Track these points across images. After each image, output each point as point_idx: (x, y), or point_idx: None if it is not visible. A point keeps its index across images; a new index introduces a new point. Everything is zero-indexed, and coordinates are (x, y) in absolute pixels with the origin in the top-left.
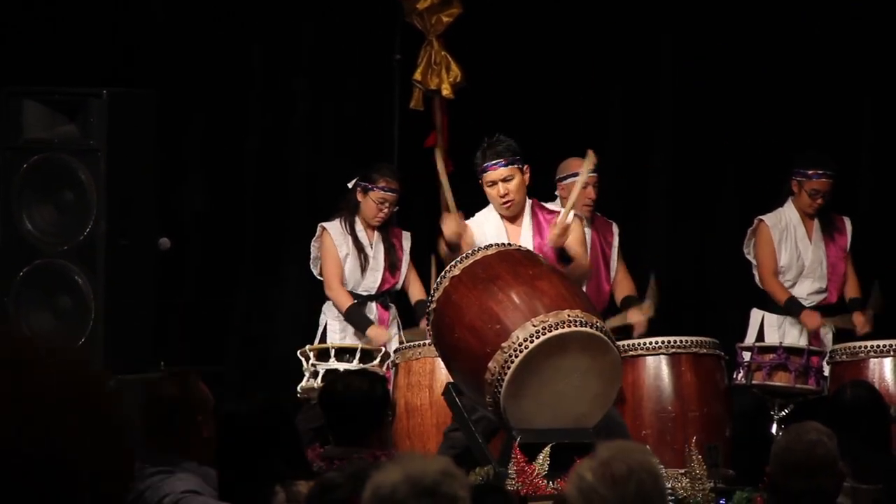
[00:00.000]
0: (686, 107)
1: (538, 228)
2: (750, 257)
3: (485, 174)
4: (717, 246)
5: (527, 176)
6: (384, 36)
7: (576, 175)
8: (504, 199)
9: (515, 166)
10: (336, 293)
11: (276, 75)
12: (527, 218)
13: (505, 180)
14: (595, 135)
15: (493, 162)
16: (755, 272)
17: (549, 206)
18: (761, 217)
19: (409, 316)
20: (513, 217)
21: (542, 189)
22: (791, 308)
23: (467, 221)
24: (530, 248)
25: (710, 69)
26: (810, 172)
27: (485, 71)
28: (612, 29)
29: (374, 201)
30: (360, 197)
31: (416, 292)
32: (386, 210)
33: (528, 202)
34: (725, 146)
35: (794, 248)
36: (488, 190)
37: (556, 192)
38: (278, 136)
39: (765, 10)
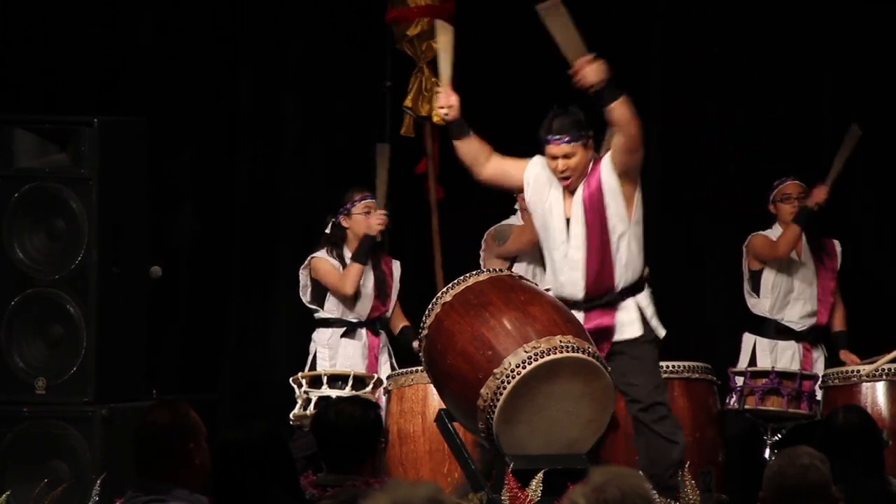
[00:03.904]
0: (676, 131)
1: (589, 198)
2: (747, 269)
3: (546, 146)
4: (709, 270)
5: (590, 150)
6: (374, 62)
7: None
8: (563, 175)
9: (579, 143)
10: (347, 278)
11: (265, 102)
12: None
13: (566, 156)
14: None
15: (556, 137)
16: (747, 297)
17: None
18: (754, 233)
19: (395, 346)
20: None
21: None
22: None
23: (526, 161)
24: (580, 216)
25: (700, 89)
26: (776, 183)
27: (476, 96)
28: (603, 53)
29: (361, 213)
30: (346, 223)
31: (398, 323)
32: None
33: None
34: (716, 166)
35: (785, 269)
36: (548, 161)
37: None
38: (269, 163)
39: (753, 36)
